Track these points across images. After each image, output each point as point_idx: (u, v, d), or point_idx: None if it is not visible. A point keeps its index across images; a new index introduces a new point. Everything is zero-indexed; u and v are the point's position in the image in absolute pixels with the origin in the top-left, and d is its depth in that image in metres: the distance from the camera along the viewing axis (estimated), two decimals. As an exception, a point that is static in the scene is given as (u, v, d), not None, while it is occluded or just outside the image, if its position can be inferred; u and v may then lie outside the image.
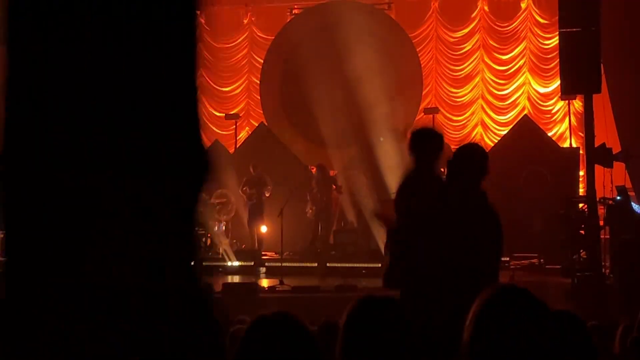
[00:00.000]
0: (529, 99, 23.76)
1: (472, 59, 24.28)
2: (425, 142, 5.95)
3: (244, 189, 19.46)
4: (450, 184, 5.53)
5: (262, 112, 24.60)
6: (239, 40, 26.17)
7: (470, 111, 24.19)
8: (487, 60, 24.19)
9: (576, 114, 21.82)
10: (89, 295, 1.76)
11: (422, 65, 23.86)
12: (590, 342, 3.96)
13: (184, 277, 1.99)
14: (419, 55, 23.89)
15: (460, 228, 5.29)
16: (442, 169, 6.58)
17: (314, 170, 20.53)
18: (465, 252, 5.23)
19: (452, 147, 15.76)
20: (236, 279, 16.78)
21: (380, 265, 17.13)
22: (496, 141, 22.07)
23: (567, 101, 20.99)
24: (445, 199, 5.45)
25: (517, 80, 23.89)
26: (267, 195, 19.38)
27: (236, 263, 18.31)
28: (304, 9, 24.80)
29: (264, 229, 19.32)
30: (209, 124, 25.90)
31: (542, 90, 23.63)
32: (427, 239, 5.29)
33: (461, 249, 5.25)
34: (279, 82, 24.11)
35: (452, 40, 24.46)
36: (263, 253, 19.02)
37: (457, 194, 5.43)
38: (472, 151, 5.67)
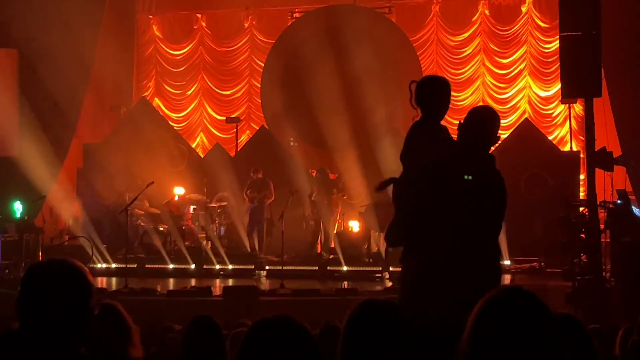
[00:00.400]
0: (529, 102, 23.79)
1: (472, 63, 24.31)
2: (435, 92, 5.84)
3: (247, 192, 19.48)
4: (460, 144, 5.46)
5: (262, 115, 24.60)
6: (240, 43, 26.20)
7: (470, 115, 24.17)
8: (487, 64, 24.22)
9: (577, 118, 21.85)
10: None
11: (422, 69, 23.85)
12: (591, 345, 3.97)
13: None
14: (420, 58, 23.90)
15: (466, 186, 5.25)
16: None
17: (314, 174, 20.54)
18: (469, 211, 5.20)
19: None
20: (237, 282, 16.77)
21: (380, 268, 17.20)
22: (497, 144, 22.04)
23: (567, 105, 21.00)
24: (454, 155, 5.39)
25: (518, 83, 23.92)
26: (268, 201, 19.40)
27: (236, 266, 18.31)
28: (304, 12, 24.83)
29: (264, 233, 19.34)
30: (210, 127, 25.94)
31: (542, 93, 23.65)
32: (433, 195, 5.24)
33: (466, 207, 5.21)
34: (280, 85, 24.11)
35: (452, 44, 24.49)
36: (263, 256, 19.02)
37: (465, 153, 5.39)
38: (482, 114, 5.58)
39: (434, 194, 5.22)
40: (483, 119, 5.47)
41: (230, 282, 16.79)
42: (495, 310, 2.68)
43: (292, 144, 21.54)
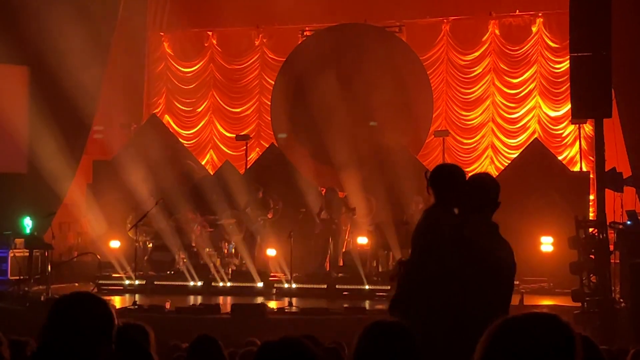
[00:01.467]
0: (539, 122, 23.75)
1: (482, 82, 24.31)
2: (444, 180, 5.90)
3: (247, 209, 19.54)
4: (462, 218, 5.47)
5: (272, 133, 24.65)
6: (251, 61, 26.26)
7: (480, 134, 24.19)
8: (497, 83, 24.21)
9: (587, 138, 21.82)
10: None
11: (432, 88, 23.89)
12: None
13: None
14: (430, 77, 23.93)
15: (472, 268, 5.24)
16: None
17: (323, 192, 20.55)
18: (475, 294, 5.18)
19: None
20: (245, 299, 16.75)
21: (389, 287, 17.15)
22: (506, 164, 22.05)
23: (577, 125, 20.98)
24: (459, 238, 5.38)
25: (528, 103, 23.89)
26: (269, 217, 19.41)
27: (245, 284, 18.30)
28: (315, 31, 24.89)
29: (272, 251, 19.31)
30: (220, 145, 25.98)
31: (552, 114, 23.62)
32: (439, 281, 5.24)
33: (472, 291, 5.19)
34: (290, 103, 24.17)
35: (462, 63, 24.49)
36: (272, 274, 19.00)
37: (469, 230, 5.38)
38: (482, 182, 5.60)
39: (439, 284, 5.22)
40: (485, 187, 5.50)
41: (239, 300, 16.76)
42: (503, 341, 2.66)
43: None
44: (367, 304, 15.51)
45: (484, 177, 5.81)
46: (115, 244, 20.24)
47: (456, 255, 5.29)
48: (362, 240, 19.55)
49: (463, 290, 5.17)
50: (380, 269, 18.62)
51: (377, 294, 17.11)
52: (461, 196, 5.49)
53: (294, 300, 15.63)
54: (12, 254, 18.95)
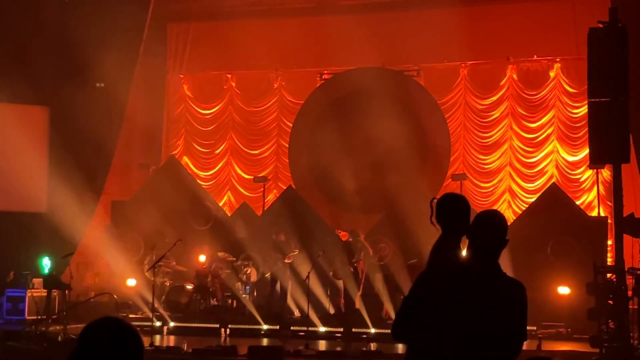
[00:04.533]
0: (557, 167, 23.74)
1: (500, 126, 24.35)
2: (449, 211, 5.91)
3: (269, 253, 19.55)
4: (469, 253, 5.47)
5: (290, 175, 24.72)
6: (269, 104, 26.42)
7: (498, 178, 24.20)
8: (515, 127, 24.25)
9: (604, 183, 21.80)
10: None
11: (450, 132, 23.95)
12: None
13: None
14: (448, 121, 24.01)
15: (476, 306, 5.23)
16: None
17: (341, 235, 20.56)
18: (481, 330, 5.17)
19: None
20: (262, 341, 16.72)
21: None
22: (524, 209, 22.01)
23: (595, 170, 20.97)
24: (463, 275, 5.38)
25: (546, 148, 23.90)
26: (287, 261, 19.41)
27: (261, 326, 18.29)
28: (333, 74, 25.04)
29: (288, 293, 19.32)
30: (238, 186, 26.07)
31: (570, 158, 23.61)
32: (436, 309, 5.24)
33: (469, 321, 5.19)
34: (308, 146, 24.26)
35: (480, 107, 24.57)
36: (289, 317, 18.99)
37: (474, 267, 5.37)
38: (490, 219, 5.59)
39: (434, 314, 5.23)
40: (491, 223, 5.49)
41: (256, 341, 16.72)
42: None
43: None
44: (383, 348, 15.44)
45: (489, 213, 5.78)
46: (131, 282, 20.29)
47: (454, 286, 5.29)
48: (379, 283, 19.54)
49: (460, 319, 5.16)
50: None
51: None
52: (468, 233, 5.47)
53: (310, 343, 15.59)
54: (29, 294, 19.02)
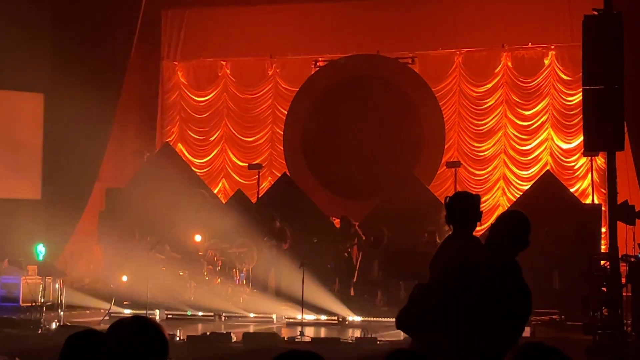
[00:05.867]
0: (551, 154, 23.78)
1: (495, 114, 24.37)
2: (462, 209, 5.93)
3: (264, 239, 19.53)
4: (487, 252, 5.46)
5: (285, 162, 24.72)
6: (264, 91, 26.39)
7: (492, 166, 24.22)
8: (509, 115, 24.27)
9: (599, 171, 21.81)
10: None
11: (445, 119, 23.94)
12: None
13: None
14: (442, 109, 24.00)
15: (488, 302, 5.23)
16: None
17: (336, 222, 20.58)
18: (481, 323, 5.18)
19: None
20: (256, 328, 16.74)
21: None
22: (518, 196, 22.05)
23: (589, 158, 21.00)
24: (478, 269, 5.38)
25: (540, 135, 23.93)
26: (285, 247, 19.40)
27: (256, 313, 18.30)
28: (328, 61, 25.00)
29: (282, 280, 19.33)
30: (232, 173, 26.07)
31: (564, 146, 23.65)
32: (453, 308, 5.23)
33: (484, 323, 5.19)
34: (302, 133, 24.26)
35: (475, 95, 24.57)
36: (283, 304, 19.00)
37: (491, 264, 5.37)
38: (512, 220, 5.58)
39: (453, 311, 5.22)
40: (512, 225, 5.49)
41: (251, 328, 16.75)
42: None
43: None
44: (378, 335, 15.46)
45: (512, 214, 5.78)
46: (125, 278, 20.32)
47: (466, 280, 5.29)
48: (373, 270, 19.58)
49: (470, 318, 5.17)
50: (390, 299, 18.59)
51: (388, 324, 17.08)
52: (489, 230, 5.49)
53: (305, 329, 15.61)
54: (24, 281, 19.00)
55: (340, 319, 17.67)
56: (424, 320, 5.26)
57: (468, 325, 5.11)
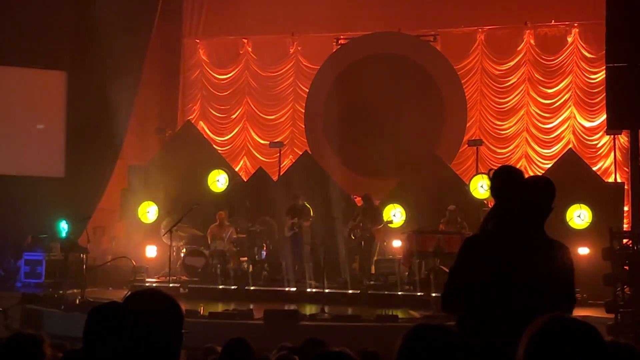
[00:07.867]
0: (574, 132, 23.65)
1: (517, 92, 24.25)
2: (505, 185, 5.82)
3: (287, 218, 19.56)
4: (515, 221, 5.39)
5: (306, 140, 24.72)
6: (285, 69, 26.37)
7: (514, 144, 24.13)
8: (532, 93, 24.14)
9: (621, 149, 21.70)
10: None
11: (466, 97, 23.86)
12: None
13: None
14: (464, 87, 23.91)
15: (524, 273, 5.19)
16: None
17: (357, 199, 20.58)
18: (531, 297, 5.13)
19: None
20: (278, 305, 16.80)
21: (422, 294, 17.16)
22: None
23: (612, 136, 20.90)
24: (508, 243, 5.33)
25: (563, 114, 23.80)
26: (306, 224, 19.43)
27: (279, 288, 18.37)
28: (350, 39, 24.94)
29: (305, 258, 19.39)
30: (254, 151, 26.09)
31: (587, 124, 23.51)
32: (490, 286, 5.19)
33: (518, 291, 5.15)
34: (324, 111, 24.24)
35: (497, 72, 24.45)
36: (305, 281, 19.05)
37: (518, 235, 5.33)
38: (536, 185, 5.53)
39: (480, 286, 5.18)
40: (536, 190, 5.43)
41: (271, 305, 16.81)
42: (549, 339, 2.69)
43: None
44: (399, 312, 15.48)
45: (536, 179, 5.73)
46: (151, 250, 20.43)
47: (501, 255, 5.25)
48: (395, 247, 19.61)
49: (509, 289, 5.13)
50: (412, 277, 18.61)
51: (410, 301, 17.12)
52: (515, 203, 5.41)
53: (326, 307, 15.66)
54: (47, 257, 19.15)
55: (361, 296, 17.70)
56: (463, 298, 5.23)
57: (509, 298, 5.07)
